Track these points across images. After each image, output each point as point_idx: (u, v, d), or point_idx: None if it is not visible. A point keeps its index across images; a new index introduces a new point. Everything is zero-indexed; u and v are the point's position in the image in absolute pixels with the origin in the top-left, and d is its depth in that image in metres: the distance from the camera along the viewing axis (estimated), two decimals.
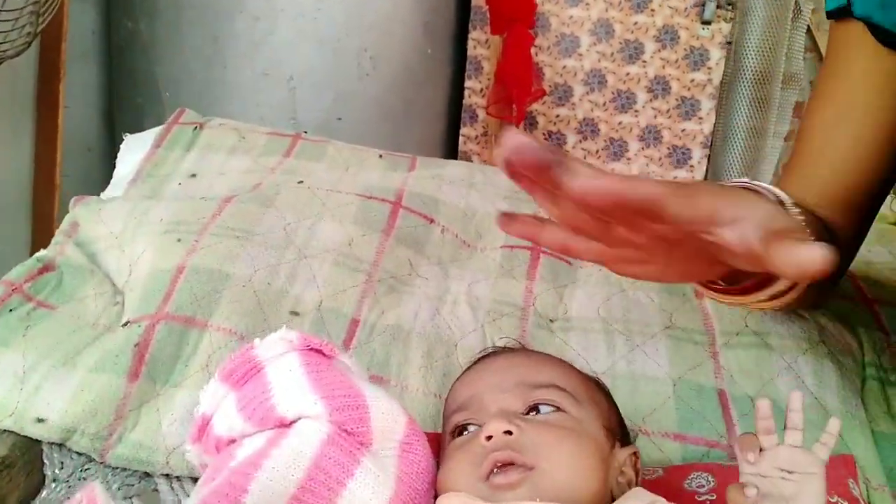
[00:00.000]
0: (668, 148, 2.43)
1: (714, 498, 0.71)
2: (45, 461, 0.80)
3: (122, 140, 1.25)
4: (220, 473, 0.62)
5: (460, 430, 0.66)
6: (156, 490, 0.80)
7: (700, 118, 2.37)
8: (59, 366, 0.81)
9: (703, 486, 0.72)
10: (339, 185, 1.10)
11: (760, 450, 0.58)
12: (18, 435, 0.78)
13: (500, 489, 0.58)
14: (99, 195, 1.12)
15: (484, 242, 1.07)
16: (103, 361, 0.81)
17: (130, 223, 0.98)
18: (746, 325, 0.91)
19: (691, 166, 2.43)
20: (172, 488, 0.79)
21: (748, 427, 0.80)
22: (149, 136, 1.23)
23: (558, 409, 0.64)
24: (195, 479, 0.78)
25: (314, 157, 1.23)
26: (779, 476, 0.55)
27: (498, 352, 0.76)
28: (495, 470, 0.59)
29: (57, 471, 0.81)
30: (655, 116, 2.40)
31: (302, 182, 1.08)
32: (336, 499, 0.58)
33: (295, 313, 0.88)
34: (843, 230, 0.78)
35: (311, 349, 0.65)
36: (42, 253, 0.98)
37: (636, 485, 0.66)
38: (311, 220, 1.00)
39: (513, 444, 0.60)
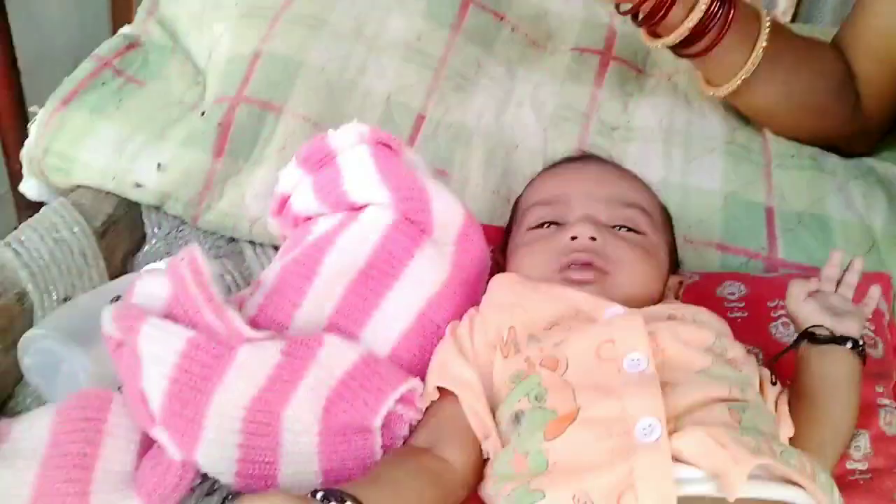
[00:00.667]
0: None
1: (742, 305, 0.77)
2: (145, 220, 0.91)
3: None
4: (299, 244, 0.70)
5: (541, 224, 0.70)
6: (241, 253, 0.90)
7: None
8: (152, 138, 0.88)
9: (734, 294, 0.78)
10: None
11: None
12: (120, 197, 0.88)
13: (572, 282, 0.64)
14: None
15: (554, 44, 1.07)
16: (192, 137, 0.88)
17: (208, 3, 1.00)
18: (802, 150, 0.92)
19: None
20: (256, 253, 0.89)
21: (790, 242, 0.85)
22: None
23: (641, 232, 0.68)
24: (276, 247, 0.87)
25: None
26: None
27: (591, 158, 0.79)
28: (573, 266, 0.65)
29: (156, 230, 0.91)
30: None
31: None
32: (398, 274, 0.66)
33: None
34: (875, 79, 0.88)
35: (380, 143, 0.70)
36: (127, 30, 1.02)
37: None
38: (380, 12, 1.00)
39: (595, 250, 0.65)
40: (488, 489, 0.57)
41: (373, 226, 0.66)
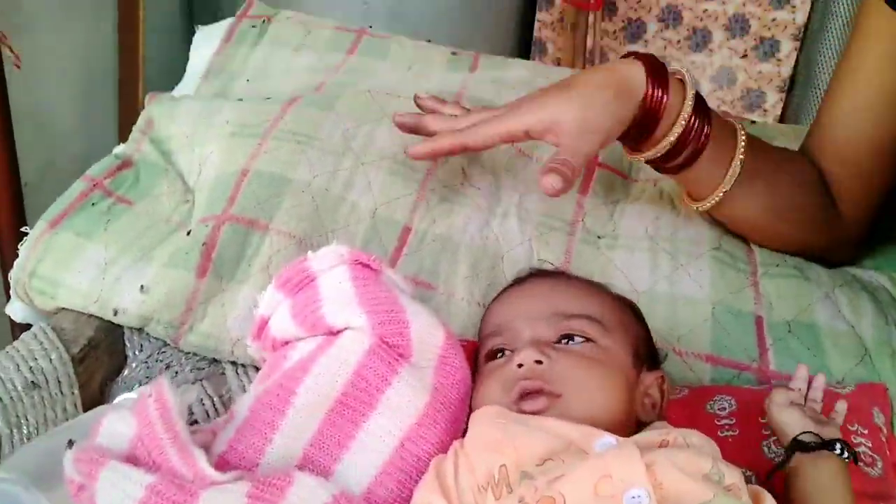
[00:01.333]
0: (755, 39, 2.29)
1: (733, 422, 0.74)
2: (127, 343, 0.90)
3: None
4: (275, 371, 0.69)
5: (494, 353, 0.70)
6: (223, 374, 0.89)
7: (793, 6, 2.22)
8: (136, 260, 0.88)
9: (724, 409, 0.76)
10: (399, 88, 1.11)
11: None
12: (102, 320, 0.87)
13: (528, 413, 0.63)
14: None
15: (540, 152, 1.08)
16: (175, 258, 0.88)
17: (200, 124, 1.02)
18: (786, 260, 0.92)
19: (779, 60, 2.30)
20: (237, 374, 0.88)
21: (781, 352, 0.83)
22: (219, 30, 1.26)
23: (588, 339, 0.68)
24: (257, 368, 0.86)
25: (378, 55, 1.24)
26: None
27: (536, 276, 0.79)
28: (524, 397, 0.64)
29: (137, 352, 0.90)
30: (744, 4, 2.25)
31: (363, 89, 1.10)
32: (375, 403, 0.64)
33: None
34: (846, 183, 0.90)
35: (360, 263, 0.70)
36: (120, 149, 1.04)
37: (661, 407, 0.70)
38: (369, 126, 1.02)
39: (542, 374, 0.65)
40: None
41: (349, 352, 0.65)
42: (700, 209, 0.91)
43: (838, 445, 0.62)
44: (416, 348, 0.67)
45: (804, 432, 0.63)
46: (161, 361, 0.89)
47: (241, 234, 0.90)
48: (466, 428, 0.68)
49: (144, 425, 0.57)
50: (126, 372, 0.89)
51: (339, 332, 0.67)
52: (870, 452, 0.71)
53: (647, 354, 0.72)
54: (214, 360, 0.89)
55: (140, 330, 0.88)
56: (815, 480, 0.60)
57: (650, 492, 0.53)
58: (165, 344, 0.89)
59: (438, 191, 0.98)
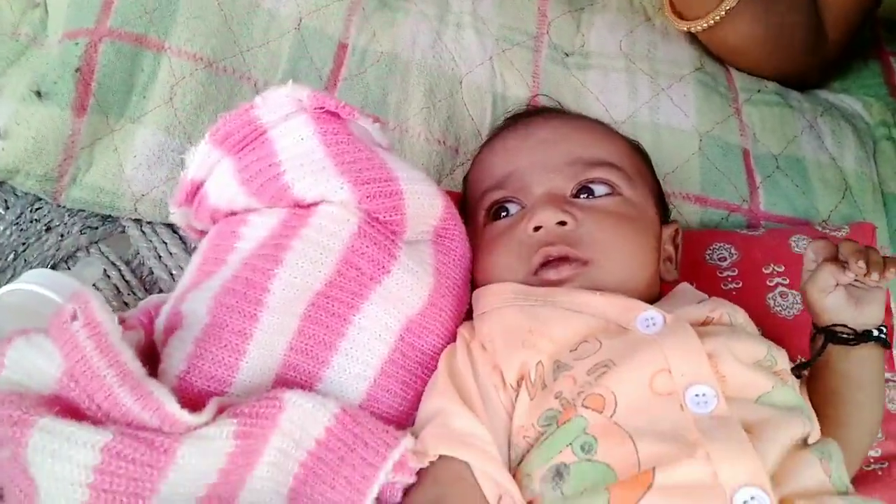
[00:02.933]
0: None
1: (735, 273, 0.69)
2: None
3: None
4: (224, 252, 0.53)
5: (498, 210, 0.58)
6: (123, 232, 0.71)
7: None
8: None
9: (725, 260, 0.70)
10: None
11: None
12: None
13: (550, 284, 0.53)
14: None
15: None
16: (38, 89, 0.65)
17: None
18: (766, 85, 0.84)
19: None
20: (143, 233, 0.71)
21: (770, 190, 0.77)
22: None
23: (613, 190, 0.57)
24: (169, 225, 0.69)
25: None
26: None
27: (537, 115, 0.64)
28: (547, 265, 0.53)
29: (3, 210, 0.70)
30: None
31: None
32: (367, 293, 0.51)
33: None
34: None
35: (325, 111, 0.53)
36: None
37: (676, 262, 0.62)
38: None
39: (567, 237, 0.53)
40: None
41: (331, 234, 0.50)
42: (692, 29, 0.79)
43: (875, 332, 0.55)
44: (410, 222, 0.53)
45: (838, 325, 0.54)
46: (38, 221, 0.70)
47: (127, 55, 0.67)
48: (470, 308, 0.57)
49: (76, 359, 0.42)
50: None
51: (310, 205, 0.52)
52: None
53: (662, 204, 0.63)
54: (109, 217, 0.71)
55: (2, 183, 0.67)
56: (846, 370, 0.54)
57: (717, 390, 0.45)
58: (39, 199, 0.69)
59: None
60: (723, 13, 0.76)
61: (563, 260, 0.53)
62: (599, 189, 0.57)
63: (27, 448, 0.39)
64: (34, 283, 0.55)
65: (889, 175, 0.82)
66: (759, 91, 0.83)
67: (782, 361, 0.52)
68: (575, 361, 0.49)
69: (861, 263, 0.51)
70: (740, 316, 0.54)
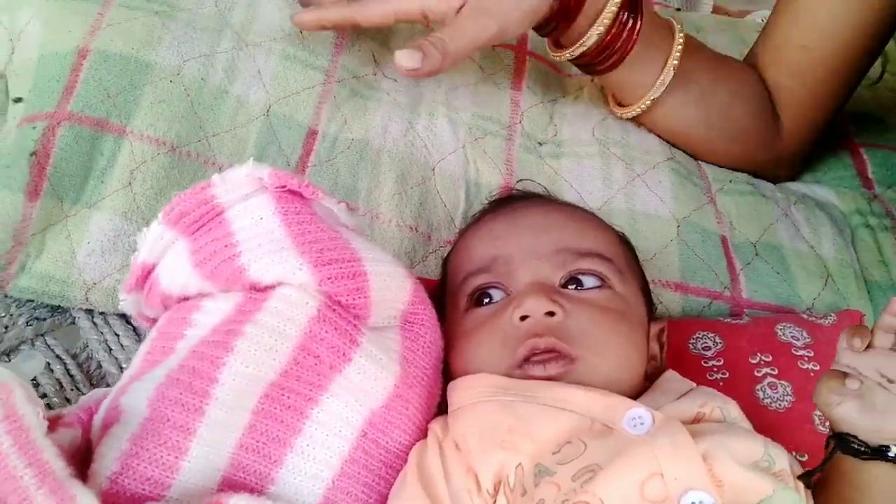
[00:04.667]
0: None
1: (721, 363, 0.65)
2: None
3: None
4: (174, 340, 0.49)
5: (480, 296, 0.55)
6: (73, 324, 0.67)
7: None
8: None
9: (710, 349, 0.67)
10: None
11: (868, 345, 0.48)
12: None
13: (532, 378, 0.49)
14: None
15: None
16: None
17: None
18: (736, 175, 0.84)
19: None
20: (95, 324, 0.66)
21: (752, 278, 0.74)
22: None
23: (603, 283, 0.54)
24: (123, 316, 0.65)
25: None
26: (876, 380, 0.45)
27: (524, 200, 0.63)
28: (533, 359, 0.49)
29: None
30: None
31: None
32: (327, 384, 0.47)
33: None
34: (797, 97, 0.81)
35: (287, 190, 0.50)
36: None
37: (662, 360, 0.59)
38: None
39: (556, 329, 0.50)
40: None
41: (287, 319, 0.47)
42: (625, 116, 0.81)
43: (893, 450, 0.47)
44: (375, 307, 0.50)
45: (850, 436, 0.47)
46: None
47: (87, 139, 0.65)
48: (443, 402, 0.53)
49: None
50: None
51: (266, 288, 0.48)
52: None
53: (648, 299, 0.60)
54: (58, 308, 0.66)
55: None
56: (859, 483, 0.47)
57: (715, 497, 0.41)
58: None
59: (348, 82, 0.77)
60: (648, 103, 0.78)
61: (550, 353, 0.50)
62: (589, 281, 0.54)
63: None
64: None
65: (871, 262, 0.81)
66: (730, 181, 0.82)
67: (781, 461, 0.48)
68: (558, 466, 0.45)
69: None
70: (733, 409, 0.50)
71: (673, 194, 0.78)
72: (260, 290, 0.48)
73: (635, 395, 0.51)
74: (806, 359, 0.66)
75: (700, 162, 0.85)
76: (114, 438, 0.43)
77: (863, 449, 0.47)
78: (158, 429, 0.43)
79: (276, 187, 0.50)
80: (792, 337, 0.67)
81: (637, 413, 0.46)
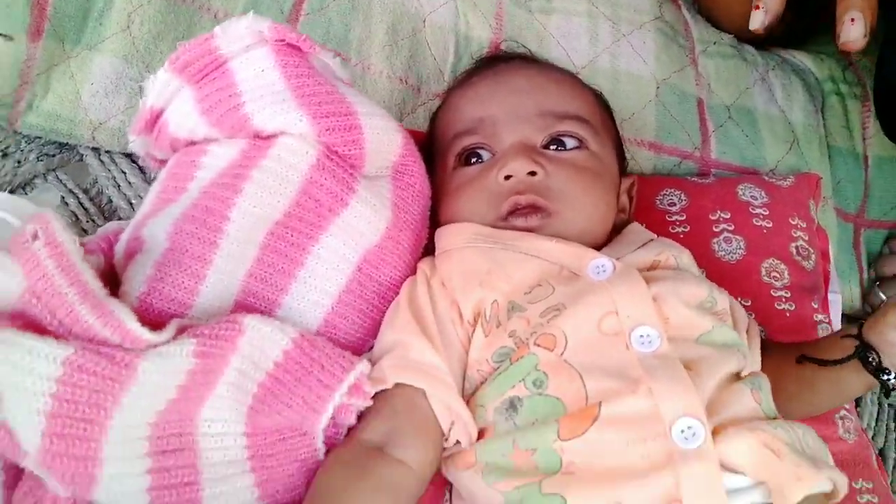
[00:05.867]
0: None
1: (683, 218, 0.71)
2: None
3: None
4: (184, 181, 0.54)
5: (468, 156, 0.59)
6: (81, 160, 0.71)
7: None
8: None
9: (675, 205, 0.72)
10: None
11: None
12: None
13: (514, 229, 0.55)
14: None
15: None
16: None
17: None
18: (722, 38, 0.85)
19: None
20: (102, 162, 0.71)
21: (721, 139, 0.79)
22: None
23: (581, 144, 0.58)
24: (128, 155, 0.69)
25: None
26: None
27: (509, 61, 0.65)
28: (516, 213, 0.55)
29: None
30: None
31: None
32: (326, 224, 0.52)
33: None
34: None
35: (286, 43, 0.53)
36: None
37: (630, 212, 0.64)
38: None
39: (536, 187, 0.55)
40: (469, 480, 0.49)
41: (290, 166, 0.51)
42: None
43: (891, 377, 0.53)
44: (369, 157, 0.54)
45: (873, 349, 0.53)
46: None
47: None
48: (430, 244, 0.59)
49: (37, 277, 0.42)
50: None
51: (269, 136, 0.53)
52: (806, 246, 0.72)
53: (621, 156, 0.65)
54: (66, 145, 0.70)
55: None
56: (842, 380, 0.55)
57: (660, 331, 0.48)
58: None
59: None
60: None
61: (531, 209, 0.55)
62: (569, 142, 0.58)
63: None
64: None
65: (835, 129, 0.86)
66: (714, 43, 0.84)
67: (722, 302, 0.55)
68: (529, 304, 0.51)
69: None
70: (685, 257, 0.57)
71: (656, 55, 0.81)
72: (263, 139, 0.53)
73: (603, 243, 0.58)
74: (761, 216, 0.72)
75: (689, 21, 0.86)
76: (139, 265, 0.49)
77: (874, 365, 0.53)
78: (179, 258, 0.48)
79: (276, 40, 0.53)
80: (751, 196, 0.73)
81: (600, 262, 0.53)
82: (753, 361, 0.56)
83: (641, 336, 0.48)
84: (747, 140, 0.79)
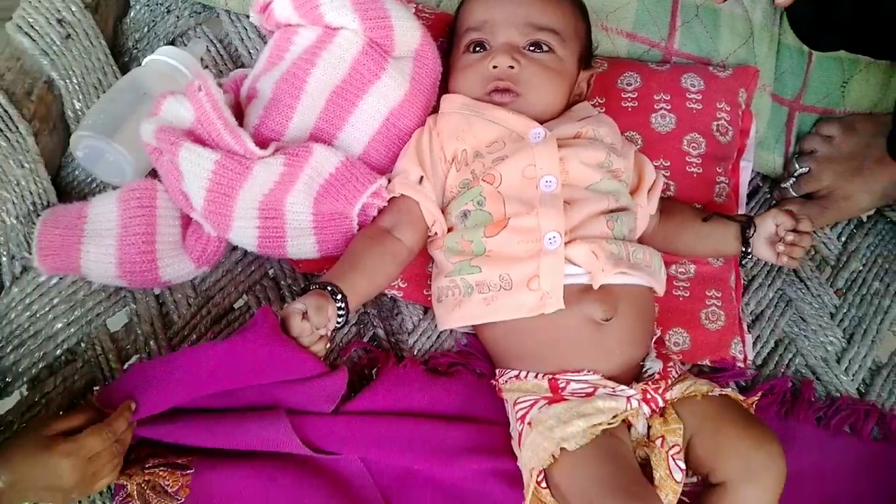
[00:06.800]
0: None
1: (635, 96, 0.97)
2: None
3: None
4: (283, 52, 0.85)
5: (473, 47, 0.86)
6: (217, 17, 1.02)
7: None
8: None
9: (630, 85, 0.98)
10: None
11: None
12: None
13: (495, 103, 0.84)
14: None
15: None
16: None
17: None
18: None
19: None
20: (232, 20, 1.02)
21: (685, 34, 1.01)
22: None
23: (550, 49, 0.84)
24: (247, 16, 1.00)
25: None
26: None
27: None
28: (496, 91, 0.83)
29: None
30: None
31: None
32: (367, 88, 0.83)
33: None
34: None
35: None
36: None
37: (586, 96, 0.91)
38: None
39: (512, 76, 0.83)
40: (438, 256, 0.83)
41: (346, 50, 0.82)
42: None
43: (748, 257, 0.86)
44: (397, 46, 0.84)
45: (754, 224, 0.85)
46: (161, 5, 1.01)
47: None
48: (438, 104, 0.88)
49: (201, 113, 0.77)
50: (132, 14, 1.01)
51: (335, 28, 0.83)
52: (726, 124, 0.97)
53: (586, 54, 0.91)
54: (208, 7, 1.02)
55: None
56: (710, 233, 0.87)
57: (557, 178, 0.78)
58: None
59: None
60: None
61: (505, 91, 0.83)
62: (543, 47, 0.84)
63: (178, 156, 0.75)
64: (168, 56, 0.88)
65: (789, 28, 1.05)
66: None
67: (618, 163, 0.83)
68: (487, 153, 0.81)
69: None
70: (603, 130, 0.85)
71: None
72: (331, 29, 0.83)
73: (554, 117, 0.86)
74: (694, 100, 0.97)
75: None
76: (254, 107, 0.82)
77: (745, 237, 0.85)
78: (277, 105, 0.81)
79: None
80: (690, 84, 0.97)
81: (537, 130, 0.82)
82: (644, 204, 0.86)
83: (546, 181, 0.79)
84: (707, 35, 1.01)
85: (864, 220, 1.06)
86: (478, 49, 0.86)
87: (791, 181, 1.03)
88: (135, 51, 0.98)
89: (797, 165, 1.04)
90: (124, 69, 0.95)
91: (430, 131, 0.85)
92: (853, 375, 0.94)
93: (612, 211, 0.80)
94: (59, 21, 0.90)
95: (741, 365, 0.90)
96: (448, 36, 0.92)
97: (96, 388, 0.78)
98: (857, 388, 0.93)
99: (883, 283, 1.00)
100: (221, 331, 0.83)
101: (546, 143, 0.81)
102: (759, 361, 0.93)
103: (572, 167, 0.80)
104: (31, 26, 0.89)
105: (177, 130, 0.77)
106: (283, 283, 0.87)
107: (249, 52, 0.99)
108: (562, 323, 0.75)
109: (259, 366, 0.69)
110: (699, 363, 0.90)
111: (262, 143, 0.80)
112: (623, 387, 0.74)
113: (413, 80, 0.85)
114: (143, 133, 0.78)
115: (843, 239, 1.04)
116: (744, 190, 1.02)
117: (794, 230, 0.83)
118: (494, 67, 0.84)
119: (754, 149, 1.03)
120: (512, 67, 0.83)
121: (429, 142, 0.84)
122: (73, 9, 0.92)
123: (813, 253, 1.03)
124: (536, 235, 0.76)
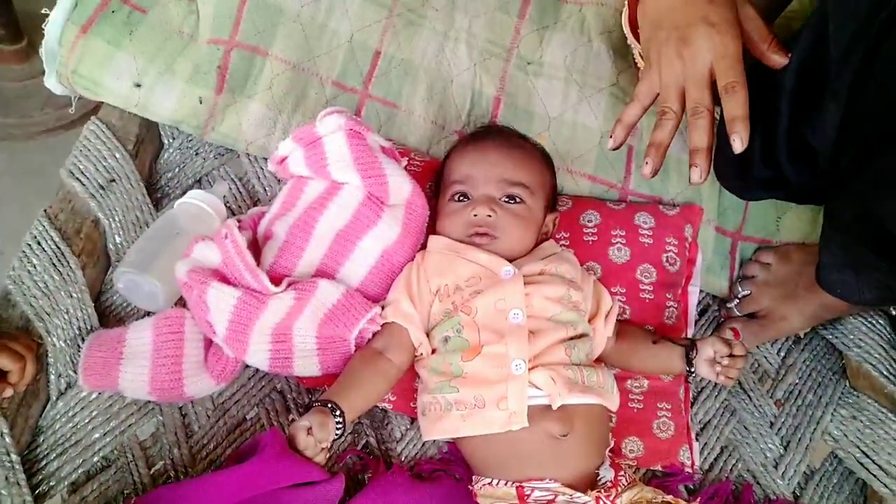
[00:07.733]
0: None
1: (595, 231, 1.13)
2: (162, 132, 1.18)
3: None
4: (296, 198, 1.01)
5: (457, 196, 1.02)
6: (238, 158, 1.19)
7: None
8: (162, 73, 1.11)
9: (591, 222, 1.14)
10: None
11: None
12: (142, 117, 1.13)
13: (475, 244, 0.99)
14: None
15: None
16: (195, 76, 1.11)
17: None
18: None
19: None
20: (251, 161, 1.19)
21: (638, 178, 1.18)
22: None
23: (522, 200, 1.01)
24: (265, 158, 1.16)
25: None
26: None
27: (491, 137, 1.06)
28: (476, 234, 0.99)
29: (171, 140, 1.18)
30: None
31: None
32: (366, 232, 0.99)
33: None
34: None
35: (353, 130, 0.98)
36: None
37: (551, 235, 1.07)
38: None
39: (490, 223, 0.99)
40: (423, 373, 0.97)
41: (349, 201, 0.98)
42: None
43: (692, 371, 1.01)
44: (391, 197, 1.00)
45: (692, 364, 1.00)
46: (191, 148, 1.18)
47: (247, 59, 1.12)
48: (425, 243, 1.04)
49: (227, 258, 0.92)
50: (165, 156, 1.18)
51: (341, 183, 0.99)
52: (674, 256, 1.13)
53: (552, 200, 1.07)
54: (230, 150, 1.19)
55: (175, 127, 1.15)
56: (656, 354, 1.02)
57: (523, 310, 0.93)
58: (190, 135, 1.17)
59: (404, 15, 1.19)
60: None
61: (484, 234, 0.99)
62: (515, 199, 1.01)
63: (206, 293, 0.90)
64: (196, 199, 1.04)
65: None
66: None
67: (577, 296, 0.98)
68: (466, 287, 0.97)
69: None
70: (564, 267, 1.00)
71: (605, 113, 1.19)
72: (337, 184, 0.99)
73: (523, 255, 1.02)
74: (646, 235, 1.13)
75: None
76: (270, 248, 0.98)
77: (689, 359, 1.01)
78: (290, 247, 0.97)
79: (349, 129, 0.98)
80: (643, 221, 1.14)
81: (507, 269, 0.97)
82: (601, 328, 1.01)
83: (514, 313, 0.93)
84: (657, 178, 1.18)
85: (802, 336, 1.20)
86: (461, 199, 1.03)
87: (735, 302, 1.18)
88: (167, 188, 1.15)
89: (740, 288, 1.19)
90: (157, 204, 1.11)
91: (418, 267, 1.00)
92: (789, 480, 1.06)
93: (571, 338, 0.95)
94: (105, 168, 1.07)
95: (689, 470, 1.03)
96: (435, 180, 1.09)
97: (127, 492, 0.90)
98: (793, 492, 1.06)
99: (816, 395, 1.14)
100: (235, 440, 0.96)
101: (514, 281, 0.96)
102: (706, 466, 1.06)
103: (536, 301, 0.95)
104: (82, 172, 1.05)
105: (205, 270, 0.92)
106: (288, 396, 1.00)
107: (265, 189, 1.16)
108: (526, 438, 0.89)
109: (272, 481, 0.82)
110: (652, 468, 1.03)
111: (276, 278, 0.95)
112: (580, 494, 0.87)
113: (404, 224, 1.01)
114: (178, 271, 0.93)
115: (782, 354, 1.18)
116: (692, 311, 1.17)
117: (730, 355, 0.98)
118: (475, 216, 1.00)
119: (703, 273, 1.18)
120: (489, 216, 0.99)
121: (416, 276, 0.99)
122: (118, 156, 1.08)
123: (756, 366, 1.17)
124: (505, 361, 0.91)
